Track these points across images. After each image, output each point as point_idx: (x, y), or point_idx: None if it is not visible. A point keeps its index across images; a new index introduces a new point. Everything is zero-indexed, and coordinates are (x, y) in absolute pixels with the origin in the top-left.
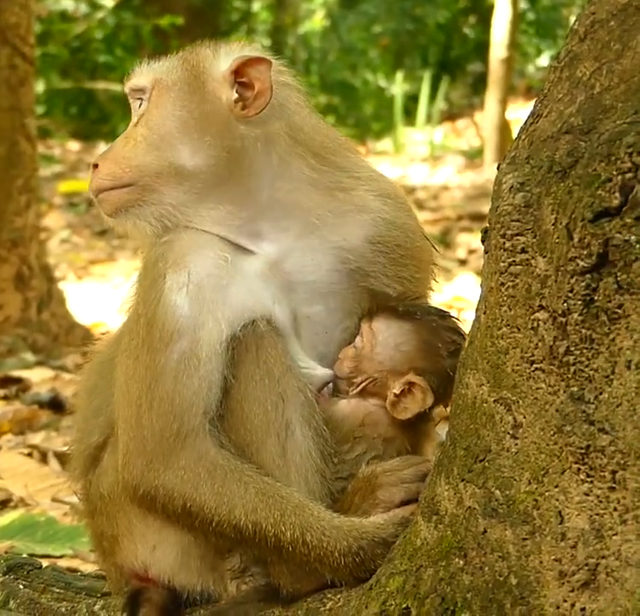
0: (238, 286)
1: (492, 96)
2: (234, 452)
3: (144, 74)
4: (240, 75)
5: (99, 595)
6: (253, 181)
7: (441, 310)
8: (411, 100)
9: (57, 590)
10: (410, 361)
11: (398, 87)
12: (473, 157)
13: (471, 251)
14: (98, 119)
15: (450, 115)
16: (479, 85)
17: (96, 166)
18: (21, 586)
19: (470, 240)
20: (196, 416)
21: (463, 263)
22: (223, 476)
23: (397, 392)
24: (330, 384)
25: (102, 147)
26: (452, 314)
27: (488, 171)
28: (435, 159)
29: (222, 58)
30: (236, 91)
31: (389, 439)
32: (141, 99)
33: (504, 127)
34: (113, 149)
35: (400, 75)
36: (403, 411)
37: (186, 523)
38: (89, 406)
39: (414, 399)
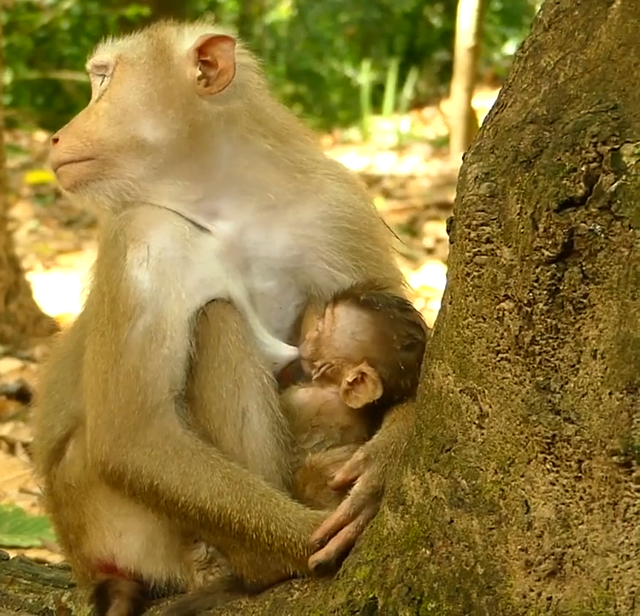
0: (196, 260)
1: (458, 84)
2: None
3: (107, 51)
4: (203, 54)
5: (67, 586)
6: (213, 157)
7: (404, 302)
8: (378, 89)
9: (25, 582)
10: (364, 351)
11: (365, 76)
12: (440, 146)
13: (439, 240)
14: (65, 109)
15: (417, 104)
16: (446, 73)
17: (56, 140)
18: None
19: (437, 229)
20: (161, 391)
21: (430, 251)
22: (190, 456)
23: (350, 380)
24: (293, 365)
25: None
26: (414, 307)
27: (456, 160)
28: (402, 148)
29: (186, 36)
30: (199, 69)
31: (346, 427)
32: (103, 76)
33: (471, 115)
34: (74, 123)
35: (366, 64)
36: (355, 400)
37: (152, 502)
38: (50, 401)
39: (365, 389)
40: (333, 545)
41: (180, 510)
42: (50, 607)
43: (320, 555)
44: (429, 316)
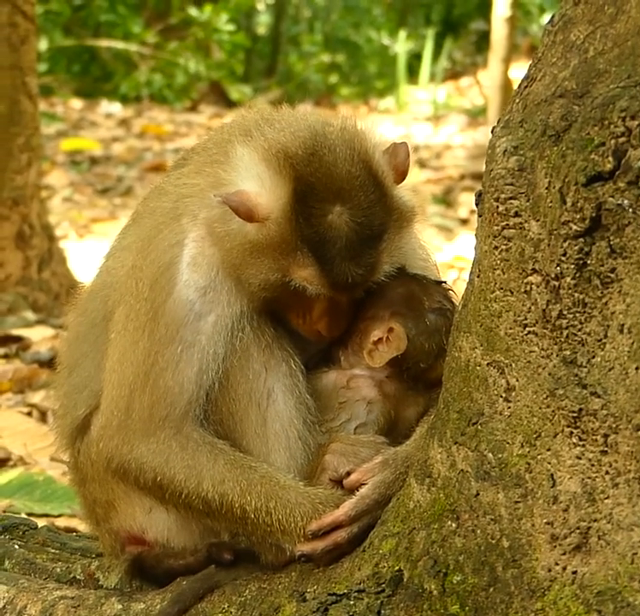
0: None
1: (495, 55)
2: (214, 429)
3: None
4: None
5: (95, 555)
6: None
7: (438, 280)
8: (415, 58)
9: (53, 551)
10: (391, 305)
11: (401, 45)
12: (476, 116)
13: (473, 211)
14: (101, 77)
15: (453, 74)
16: (482, 43)
17: None
18: (17, 546)
19: (472, 200)
20: (188, 403)
21: (464, 222)
22: (195, 448)
23: (376, 339)
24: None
25: (104, 105)
26: (448, 286)
27: None
28: (438, 118)
29: None
30: None
31: (373, 401)
32: None
33: (507, 86)
34: None
35: (403, 33)
36: (379, 358)
37: (157, 495)
38: (70, 382)
39: (390, 344)
40: (321, 544)
41: (184, 501)
42: (77, 576)
43: (306, 547)
44: (463, 288)
